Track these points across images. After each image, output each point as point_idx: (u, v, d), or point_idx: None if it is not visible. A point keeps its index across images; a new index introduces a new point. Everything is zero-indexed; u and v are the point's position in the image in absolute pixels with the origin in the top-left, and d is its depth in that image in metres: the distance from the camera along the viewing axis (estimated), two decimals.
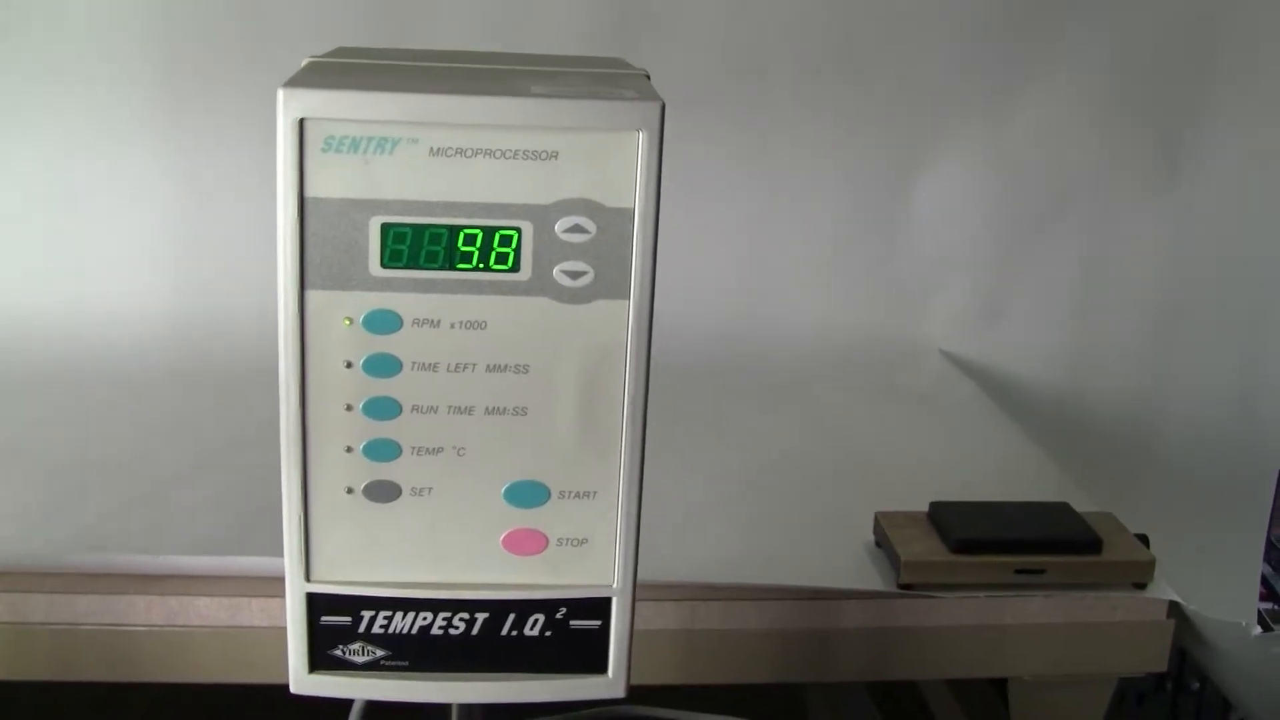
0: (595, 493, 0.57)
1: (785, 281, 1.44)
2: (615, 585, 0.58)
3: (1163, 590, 0.91)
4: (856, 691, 1.27)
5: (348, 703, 0.85)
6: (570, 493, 0.57)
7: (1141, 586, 0.91)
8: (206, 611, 0.87)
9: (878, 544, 0.94)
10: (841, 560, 0.93)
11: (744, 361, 1.38)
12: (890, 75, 1.39)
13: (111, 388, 1.23)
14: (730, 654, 0.90)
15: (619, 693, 0.59)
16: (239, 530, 0.91)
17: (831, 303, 1.44)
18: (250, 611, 0.87)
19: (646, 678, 0.85)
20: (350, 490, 0.56)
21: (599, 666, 0.59)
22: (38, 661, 0.87)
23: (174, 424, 1.16)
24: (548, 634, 0.58)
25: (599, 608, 0.58)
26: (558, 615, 0.58)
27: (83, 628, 0.87)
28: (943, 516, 0.92)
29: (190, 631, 0.87)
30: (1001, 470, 1.14)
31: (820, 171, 1.42)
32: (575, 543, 0.57)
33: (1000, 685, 0.98)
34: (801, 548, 0.96)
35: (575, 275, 0.54)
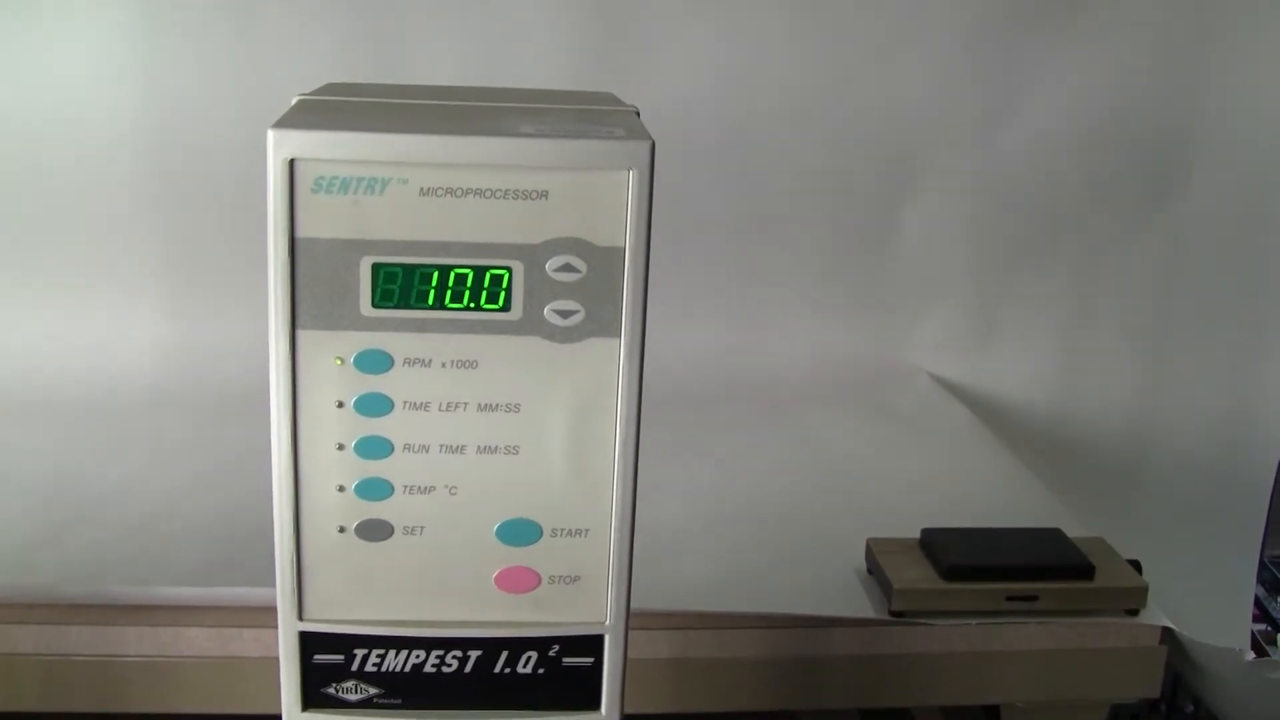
0: (587, 530, 0.57)
1: (773, 306, 1.44)
2: (607, 622, 0.58)
3: (1155, 616, 0.91)
4: (849, 719, 1.27)
5: None
6: (562, 530, 0.57)
7: (1134, 613, 0.91)
8: (198, 642, 0.87)
9: (869, 571, 0.94)
10: (833, 587, 0.93)
11: (733, 387, 1.38)
12: (879, 98, 1.39)
13: (101, 417, 1.23)
14: (722, 682, 0.90)
15: None
16: (230, 560, 0.91)
17: (820, 327, 1.44)
18: (242, 642, 0.87)
19: (638, 707, 0.85)
20: (342, 529, 0.56)
21: (592, 703, 0.59)
22: (28, 693, 0.87)
23: (164, 453, 1.16)
24: (540, 671, 0.58)
25: (592, 644, 0.58)
26: (550, 652, 0.58)
27: (73, 659, 0.86)
28: (934, 543, 0.92)
29: (182, 662, 0.87)
30: (992, 495, 1.14)
31: (808, 195, 1.42)
32: (567, 580, 0.57)
33: (993, 712, 0.98)
34: (793, 575, 0.95)
35: (566, 314, 0.54)
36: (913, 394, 1.41)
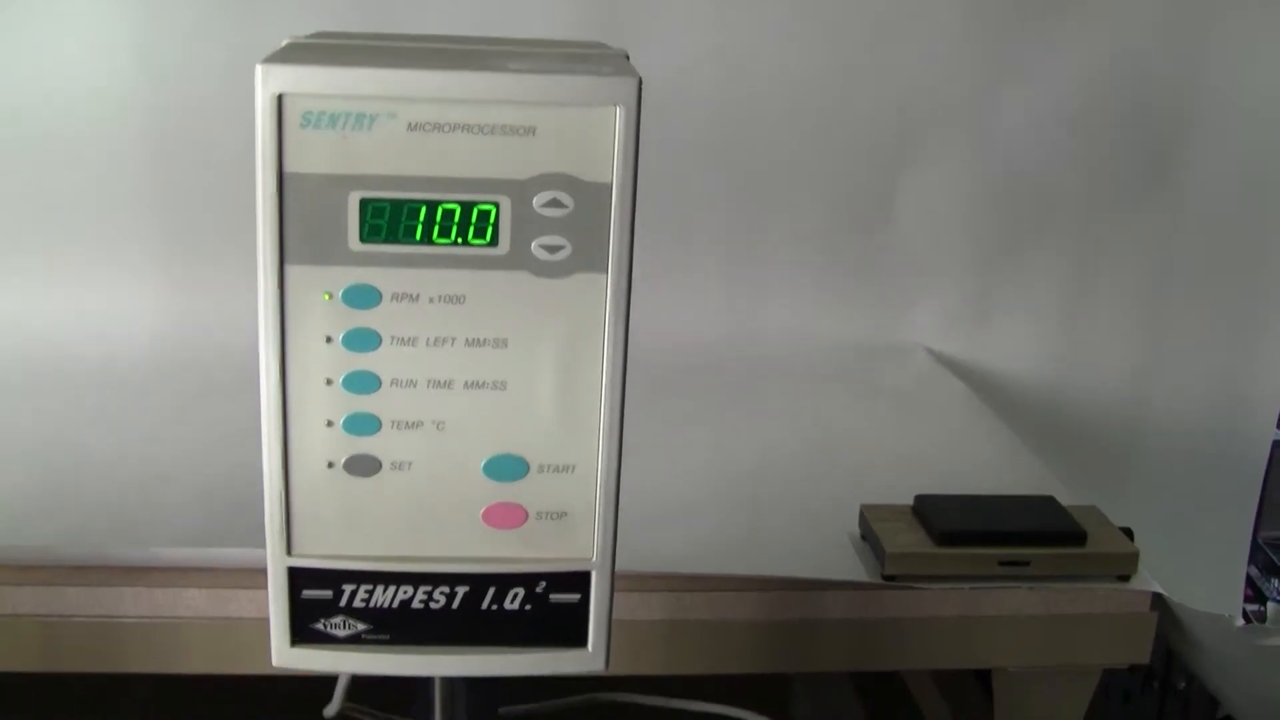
0: (574, 466, 0.57)
1: (772, 282, 1.44)
2: (594, 559, 0.58)
3: (1146, 582, 0.92)
4: (840, 681, 1.28)
5: (332, 682, 0.85)
6: (549, 466, 0.57)
7: (1125, 579, 0.91)
8: (195, 603, 0.87)
9: (863, 536, 0.94)
10: (827, 552, 0.94)
11: (731, 360, 1.39)
12: (878, 75, 1.40)
13: (100, 384, 1.23)
14: (716, 644, 0.90)
15: (598, 666, 0.60)
16: (228, 521, 0.91)
17: (819, 303, 1.44)
18: (239, 603, 0.87)
19: (632, 667, 0.86)
20: (331, 465, 0.56)
21: (579, 640, 0.59)
22: (27, 653, 0.88)
23: (163, 419, 1.16)
24: (527, 607, 0.59)
25: (578, 581, 0.59)
26: (537, 589, 0.58)
27: (72, 620, 0.87)
28: (927, 509, 0.93)
29: (179, 623, 0.87)
30: (987, 466, 1.15)
31: (807, 171, 1.42)
32: (554, 516, 0.58)
33: (984, 676, 0.98)
34: (787, 540, 0.96)
35: (553, 249, 0.54)
36: (911, 369, 1.41)
